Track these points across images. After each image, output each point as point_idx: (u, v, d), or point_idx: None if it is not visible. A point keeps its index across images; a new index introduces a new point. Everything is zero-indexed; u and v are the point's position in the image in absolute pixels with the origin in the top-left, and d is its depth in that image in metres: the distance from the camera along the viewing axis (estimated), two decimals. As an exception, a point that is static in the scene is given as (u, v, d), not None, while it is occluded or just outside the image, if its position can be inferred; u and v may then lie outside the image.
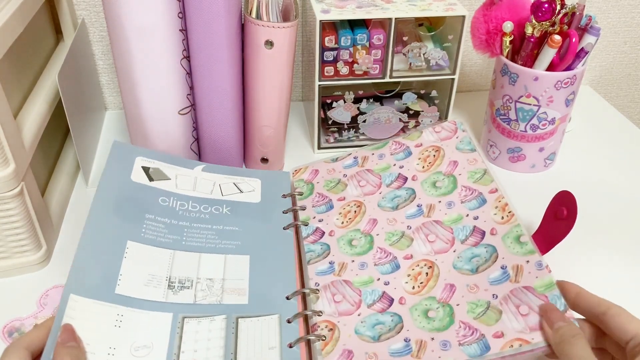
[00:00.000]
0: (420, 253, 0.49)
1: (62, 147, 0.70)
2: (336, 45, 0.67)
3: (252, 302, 0.48)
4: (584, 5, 0.62)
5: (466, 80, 0.91)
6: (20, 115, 0.55)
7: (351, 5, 0.66)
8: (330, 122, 0.73)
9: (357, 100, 0.72)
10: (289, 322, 0.47)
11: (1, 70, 0.51)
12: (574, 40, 0.61)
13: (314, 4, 0.66)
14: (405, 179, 0.56)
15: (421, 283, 0.47)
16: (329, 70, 0.68)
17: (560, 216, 0.50)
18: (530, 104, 0.65)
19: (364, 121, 0.73)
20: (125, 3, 0.53)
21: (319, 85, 0.68)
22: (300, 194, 0.60)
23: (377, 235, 0.52)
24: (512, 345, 0.40)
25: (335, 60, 0.68)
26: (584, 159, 0.74)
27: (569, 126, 0.74)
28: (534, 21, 0.62)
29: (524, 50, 0.64)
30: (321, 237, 0.54)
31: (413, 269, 0.48)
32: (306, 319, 0.48)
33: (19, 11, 0.53)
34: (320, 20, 0.63)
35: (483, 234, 0.48)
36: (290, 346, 0.45)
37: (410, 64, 0.69)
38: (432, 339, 0.43)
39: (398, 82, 0.73)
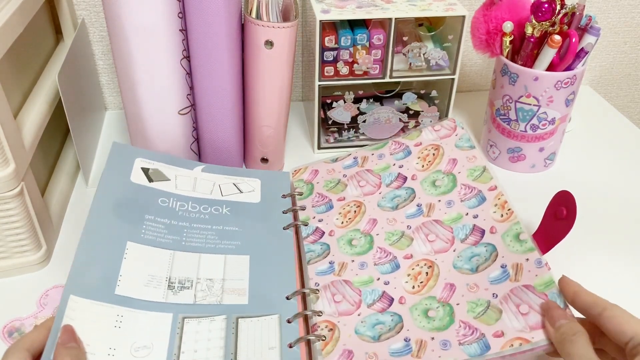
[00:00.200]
0: (420, 253, 0.49)
1: (62, 147, 0.70)
2: (336, 45, 0.66)
3: (252, 302, 0.48)
4: (584, 5, 0.62)
5: (466, 80, 0.91)
6: (20, 115, 0.55)
7: (351, 5, 0.66)
8: (330, 122, 0.73)
9: (357, 100, 0.72)
10: (289, 322, 0.47)
11: (1, 70, 0.51)
12: (574, 40, 0.61)
13: (314, 4, 0.66)
14: (405, 178, 0.56)
15: (421, 282, 0.47)
16: (329, 70, 0.68)
17: (559, 216, 0.50)
18: (530, 104, 0.65)
19: (364, 121, 0.73)
20: (125, 3, 0.53)
21: (319, 85, 0.68)
22: (300, 194, 0.60)
23: (377, 235, 0.52)
24: (512, 345, 0.40)
25: (335, 60, 0.68)
26: (584, 159, 0.74)
27: (569, 126, 0.74)
28: (534, 21, 0.62)
29: (524, 50, 0.64)
30: (321, 237, 0.54)
31: (413, 269, 0.48)
32: (306, 319, 0.48)
33: (19, 11, 0.53)
34: (320, 20, 0.63)
35: (483, 232, 0.48)
36: (290, 346, 0.45)
37: (410, 64, 0.69)
38: (432, 338, 0.43)
39: (398, 82, 0.73)
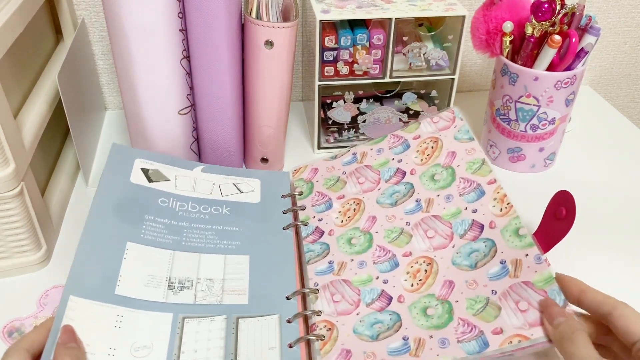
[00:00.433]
0: (419, 250, 0.49)
1: (62, 147, 0.70)
2: (336, 45, 0.66)
3: (252, 302, 0.48)
4: (584, 5, 0.62)
5: (466, 80, 0.91)
6: (20, 115, 0.55)
7: (351, 5, 0.66)
8: (330, 122, 0.73)
9: (357, 100, 0.72)
10: (289, 322, 0.47)
11: (1, 70, 0.51)
12: (574, 40, 0.61)
13: (314, 4, 0.66)
14: (404, 173, 0.56)
15: (420, 280, 0.47)
16: (329, 70, 0.68)
17: (559, 216, 0.50)
18: (530, 104, 0.65)
19: (364, 121, 0.73)
20: (125, 3, 0.53)
21: (319, 85, 0.68)
22: (300, 193, 0.60)
23: (377, 232, 0.52)
24: (511, 342, 0.40)
25: (335, 60, 0.68)
26: (584, 159, 0.74)
27: (569, 126, 0.74)
28: (534, 21, 0.62)
29: (524, 50, 0.64)
30: (321, 237, 0.54)
31: (412, 266, 0.48)
32: (306, 319, 0.48)
33: (19, 11, 0.53)
34: (320, 20, 0.63)
35: (482, 227, 0.48)
36: (291, 346, 0.45)
37: (410, 64, 0.69)
38: (431, 336, 0.43)
39: (398, 82, 0.73)
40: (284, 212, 0.58)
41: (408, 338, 0.43)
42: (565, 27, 0.63)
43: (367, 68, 0.68)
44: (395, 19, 0.65)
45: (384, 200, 0.55)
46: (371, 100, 0.73)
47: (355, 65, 0.68)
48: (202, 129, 0.65)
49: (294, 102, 0.85)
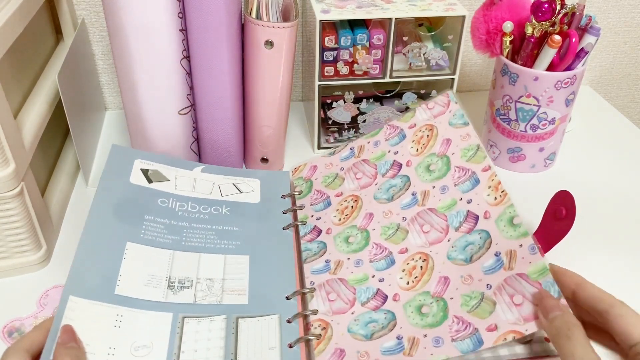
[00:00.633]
0: (415, 246, 0.49)
1: (62, 147, 0.70)
2: (336, 45, 0.66)
3: (252, 302, 0.48)
4: (584, 5, 0.62)
5: (466, 80, 0.91)
6: (20, 115, 0.55)
7: (351, 5, 0.66)
8: (330, 122, 0.73)
9: (357, 100, 0.72)
10: (289, 322, 0.47)
11: (1, 70, 0.51)
12: (574, 40, 0.61)
13: (314, 4, 0.66)
14: (400, 165, 0.56)
15: (415, 277, 0.47)
16: (329, 70, 0.68)
17: (559, 216, 0.50)
18: (530, 104, 0.65)
19: (364, 121, 0.73)
20: (125, 3, 0.53)
21: (319, 85, 0.68)
22: (300, 192, 0.60)
23: (373, 230, 0.52)
24: (505, 339, 0.39)
25: (335, 60, 0.68)
26: (584, 159, 0.74)
27: (569, 126, 0.74)
28: (534, 21, 0.62)
29: (524, 50, 0.64)
30: (318, 235, 0.54)
31: (408, 263, 0.48)
32: (306, 318, 0.48)
33: (19, 11, 0.53)
34: (320, 20, 0.63)
35: (477, 218, 0.47)
36: (291, 346, 0.45)
37: (410, 64, 0.69)
38: (425, 335, 0.42)
39: (398, 82, 0.73)
40: (283, 212, 0.58)
41: (402, 337, 0.43)
42: (565, 27, 0.63)
43: (367, 68, 0.68)
44: (395, 19, 0.65)
45: (380, 196, 0.55)
46: (371, 100, 0.73)
47: (355, 65, 0.68)
48: (202, 129, 0.65)
49: (294, 102, 0.85)
